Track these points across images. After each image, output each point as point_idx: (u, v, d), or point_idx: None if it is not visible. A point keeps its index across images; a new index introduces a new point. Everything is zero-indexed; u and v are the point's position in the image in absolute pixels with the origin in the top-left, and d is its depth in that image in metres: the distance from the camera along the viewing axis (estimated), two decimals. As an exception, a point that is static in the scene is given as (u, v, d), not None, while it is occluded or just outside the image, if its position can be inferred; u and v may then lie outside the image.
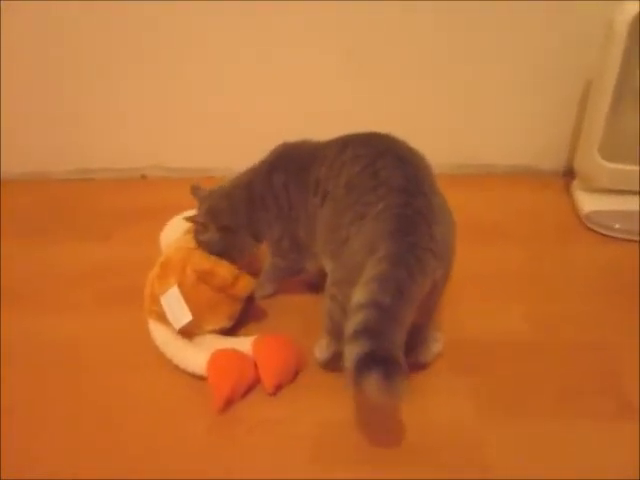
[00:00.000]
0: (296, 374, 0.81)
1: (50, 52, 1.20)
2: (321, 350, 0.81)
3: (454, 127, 1.26)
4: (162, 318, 0.83)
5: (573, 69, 1.15)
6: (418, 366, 0.82)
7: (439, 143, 1.27)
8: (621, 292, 0.96)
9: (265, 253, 0.92)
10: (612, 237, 1.08)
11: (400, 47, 1.17)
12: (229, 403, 0.77)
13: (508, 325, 0.90)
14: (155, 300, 0.83)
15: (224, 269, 0.83)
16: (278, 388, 0.79)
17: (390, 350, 0.62)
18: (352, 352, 0.62)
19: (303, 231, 0.85)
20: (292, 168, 0.85)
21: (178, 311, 0.81)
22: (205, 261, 0.84)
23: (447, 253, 0.71)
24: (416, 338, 0.78)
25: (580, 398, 0.78)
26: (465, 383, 0.81)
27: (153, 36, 1.18)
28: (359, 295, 0.64)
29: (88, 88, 1.25)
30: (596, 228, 1.09)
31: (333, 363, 0.81)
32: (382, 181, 0.73)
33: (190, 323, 0.81)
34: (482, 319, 0.91)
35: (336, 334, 0.76)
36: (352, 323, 0.63)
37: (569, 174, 1.24)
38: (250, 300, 0.91)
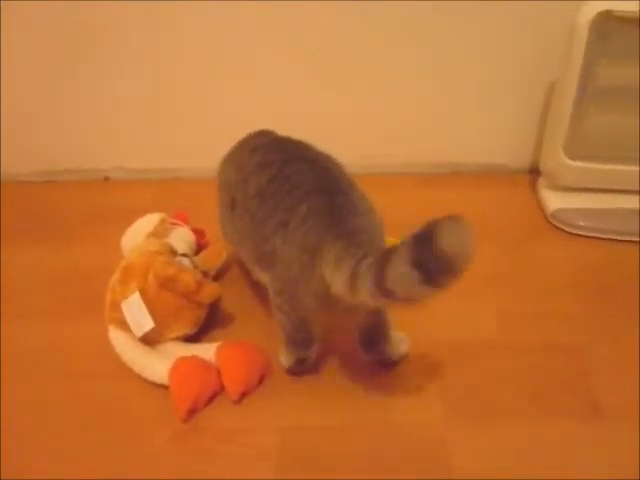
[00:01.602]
0: (261, 381, 0.80)
1: (11, 51, 1.16)
2: (284, 357, 0.80)
3: (422, 127, 1.26)
4: (123, 325, 0.80)
5: (538, 69, 1.16)
6: (384, 365, 0.81)
7: (408, 142, 1.28)
8: (589, 290, 0.97)
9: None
10: (577, 235, 1.09)
11: (368, 47, 1.16)
12: (192, 412, 0.75)
13: (477, 325, 0.90)
14: (116, 306, 0.81)
15: (188, 275, 0.81)
16: (243, 395, 0.77)
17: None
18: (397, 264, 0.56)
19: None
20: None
21: (140, 318, 0.79)
22: (168, 267, 0.81)
23: (379, 242, 0.70)
24: (378, 333, 0.78)
25: (550, 398, 0.79)
26: (433, 384, 0.80)
27: (119, 37, 1.15)
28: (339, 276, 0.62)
29: (50, 88, 1.20)
30: (562, 226, 1.10)
31: (299, 367, 0.80)
32: (296, 185, 0.71)
33: (152, 330, 0.79)
34: (450, 319, 0.90)
35: (293, 342, 0.77)
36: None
37: (535, 172, 1.25)
38: (214, 305, 0.89)
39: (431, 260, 0.53)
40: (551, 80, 1.16)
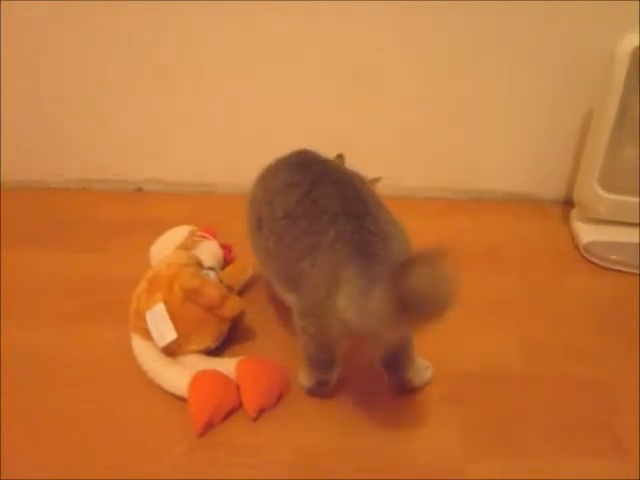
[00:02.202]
0: (279, 398, 0.79)
1: (50, 59, 1.20)
2: (304, 379, 0.80)
3: (454, 150, 1.25)
4: (146, 334, 0.81)
5: (575, 98, 1.15)
6: (407, 391, 0.80)
7: (439, 166, 1.27)
8: (617, 325, 0.94)
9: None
10: (609, 268, 1.06)
11: (402, 70, 1.16)
12: (209, 426, 0.75)
13: (501, 355, 0.88)
14: (140, 316, 0.82)
15: (212, 288, 0.82)
16: (260, 412, 0.77)
17: None
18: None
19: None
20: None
21: (163, 328, 0.80)
22: (194, 279, 0.82)
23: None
24: (402, 357, 0.78)
25: (572, 434, 0.76)
26: (454, 413, 0.79)
27: (156, 50, 1.18)
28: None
29: (89, 98, 1.24)
30: (594, 259, 1.08)
31: (320, 389, 0.79)
32: (324, 209, 0.71)
33: (174, 341, 0.80)
34: (474, 348, 0.89)
35: (315, 365, 0.76)
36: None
37: (568, 203, 1.23)
38: (237, 321, 0.89)
39: (404, 296, 0.56)
40: (587, 109, 1.14)
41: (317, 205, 0.72)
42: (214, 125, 1.25)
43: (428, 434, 0.76)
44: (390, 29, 1.12)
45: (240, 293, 0.94)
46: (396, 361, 0.77)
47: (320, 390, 0.79)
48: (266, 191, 0.81)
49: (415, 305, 0.56)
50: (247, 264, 0.99)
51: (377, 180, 1.13)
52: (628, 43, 0.95)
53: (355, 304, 0.63)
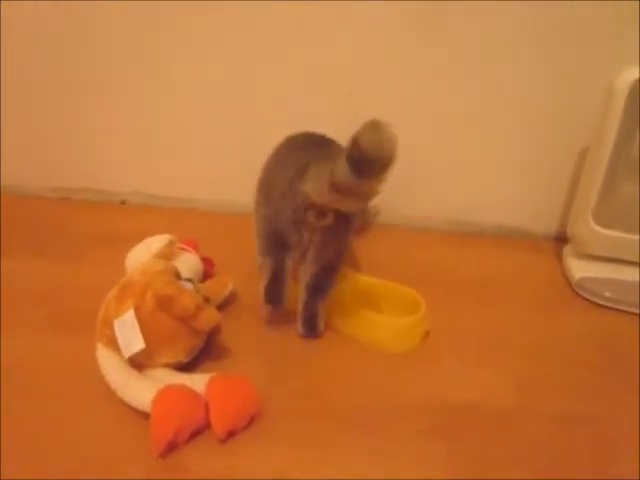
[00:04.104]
0: (251, 420, 0.73)
1: (33, 65, 1.18)
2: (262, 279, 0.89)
3: (448, 184, 1.24)
4: (113, 344, 0.75)
5: (569, 133, 1.14)
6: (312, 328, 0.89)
7: (432, 198, 1.25)
8: (610, 362, 0.90)
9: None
10: (602, 305, 1.03)
11: (398, 96, 1.16)
12: (172, 447, 0.68)
13: (491, 390, 0.83)
14: (108, 323, 0.76)
15: (187, 297, 0.77)
16: (229, 435, 0.71)
17: None
18: None
19: None
20: None
21: (131, 337, 0.74)
22: (168, 286, 0.77)
23: None
24: (323, 287, 0.88)
25: (565, 473, 0.71)
26: (440, 449, 0.73)
27: (141, 64, 1.17)
28: None
29: (74, 105, 1.22)
30: (586, 295, 1.05)
31: (273, 289, 0.88)
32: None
33: (142, 352, 0.74)
34: (463, 382, 0.84)
35: (267, 253, 0.90)
36: None
37: (561, 239, 1.20)
38: (213, 337, 0.84)
39: (357, 157, 0.68)
40: (582, 145, 1.13)
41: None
42: (199, 141, 1.23)
43: (414, 466, 0.70)
44: (384, 59, 1.12)
45: (219, 308, 0.89)
46: (315, 290, 0.87)
47: (273, 295, 0.88)
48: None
49: (365, 165, 0.69)
50: (228, 279, 0.95)
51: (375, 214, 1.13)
52: (626, 77, 0.94)
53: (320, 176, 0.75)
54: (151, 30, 1.14)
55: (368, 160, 0.68)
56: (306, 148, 0.89)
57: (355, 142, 0.68)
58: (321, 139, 0.94)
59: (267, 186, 0.90)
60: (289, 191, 0.82)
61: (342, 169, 0.70)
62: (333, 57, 1.13)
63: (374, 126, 0.68)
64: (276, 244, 0.88)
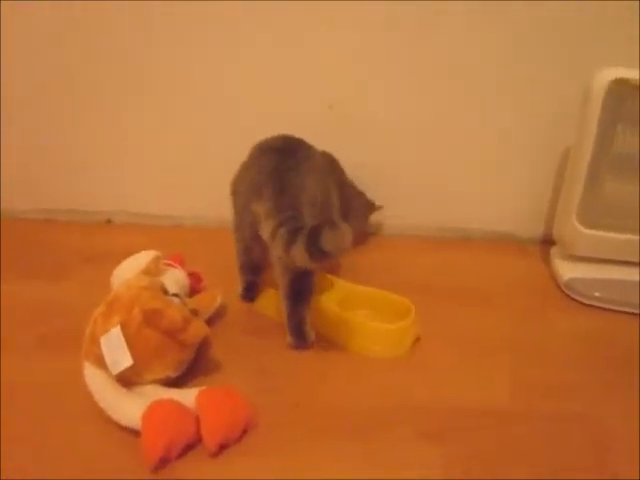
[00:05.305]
0: (243, 433, 0.72)
1: (15, 90, 1.19)
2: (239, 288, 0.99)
3: (436, 190, 1.25)
4: (100, 361, 0.74)
5: (552, 135, 1.16)
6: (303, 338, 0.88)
7: (418, 205, 1.26)
8: (601, 361, 0.90)
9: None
10: (592, 305, 1.03)
11: (380, 106, 1.17)
12: (164, 462, 0.67)
13: (484, 393, 0.83)
14: (95, 340, 0.75)
15: (174, 310, 0.76)
16: (221, 448, 0.69)
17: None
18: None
19: None
20: None
21: (118, 354, 0.73)
22: (155, 300, 0.76)
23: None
24: (304, 292, 0.88)
25: (562, 473, 0.70)
26: (438, 450, 0.72)
27: (126, 81, 1.18)
28: None
29: (58, 126, 1.22)
30: (575, 296, 1.05)
31: (248, 292, 0.98)
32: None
33: (130, 369, 0.73)
34: (456, 385, 0.84)
35: (241, 268, 0.99)
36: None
37: (547, 241, 1.21)
38: (202, 351, 0.83)
39: (317, 251, 0.75)
40: (565, 146, 1.15)
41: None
42: (184, 159, 1.23)
43: (410, 471, 0.69)
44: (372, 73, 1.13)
45: (209, 322, 0.88)
46: (295, 296, 0.88)
47: (248, 294, 0.99)
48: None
49: (324, 258, 0.76)
50: (217, 293, 0.94)
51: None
52: (602, 78, 0.96)
53: (276, 242, 0.79)
54: (134, 49, 1.15)
55: (327, 255, 0.75)
56: (271, 155, 0.90)
57: (315, 241, 0.74)
58: (293, 146, 0.94)
59: (234, 194, 0.94)
60: (246, 208, 0.87)
61: (300, 255, 0.76)
62: (316, 72, 1.15)
63: (333, 227, 0.75)
64: (245, 249, 0.95)
